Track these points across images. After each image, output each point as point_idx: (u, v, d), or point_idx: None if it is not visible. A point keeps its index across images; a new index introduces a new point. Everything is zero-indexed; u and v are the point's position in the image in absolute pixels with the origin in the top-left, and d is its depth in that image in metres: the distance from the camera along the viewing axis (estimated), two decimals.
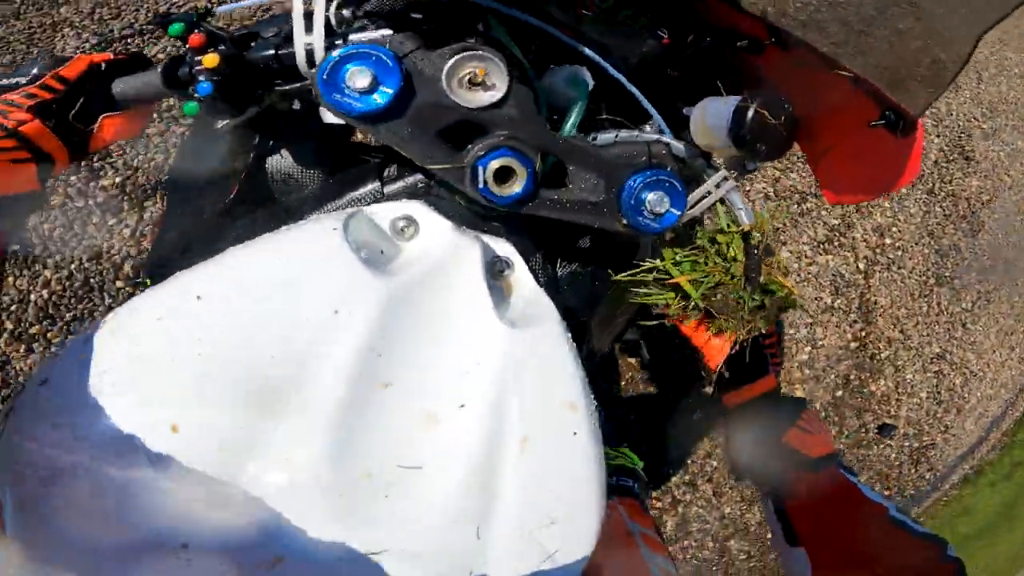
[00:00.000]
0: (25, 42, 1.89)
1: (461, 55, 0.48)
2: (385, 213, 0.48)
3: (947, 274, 3.13)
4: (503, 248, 0.51)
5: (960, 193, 3.28)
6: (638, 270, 0.57)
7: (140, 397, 0.38)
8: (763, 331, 0.56)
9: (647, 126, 0.59)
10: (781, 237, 2.44)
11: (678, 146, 0.56)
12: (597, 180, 0.53)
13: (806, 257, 2.49)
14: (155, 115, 1.69)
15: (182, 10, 1.95)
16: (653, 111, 0.57)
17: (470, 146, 0.50)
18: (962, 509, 3.31)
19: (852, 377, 2.76)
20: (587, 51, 0.55)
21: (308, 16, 0.50)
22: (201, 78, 0.52)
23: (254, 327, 0.41)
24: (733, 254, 0.52)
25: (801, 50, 0.50)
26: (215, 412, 0.39)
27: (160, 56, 1.92)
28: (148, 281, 0.69)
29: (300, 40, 0.50)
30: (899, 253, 2.93)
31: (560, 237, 0.63)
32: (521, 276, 0.50)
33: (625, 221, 0.53)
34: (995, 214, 3.48)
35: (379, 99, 0.47)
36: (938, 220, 3.15)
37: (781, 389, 0.70)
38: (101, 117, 0.58)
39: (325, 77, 0.46)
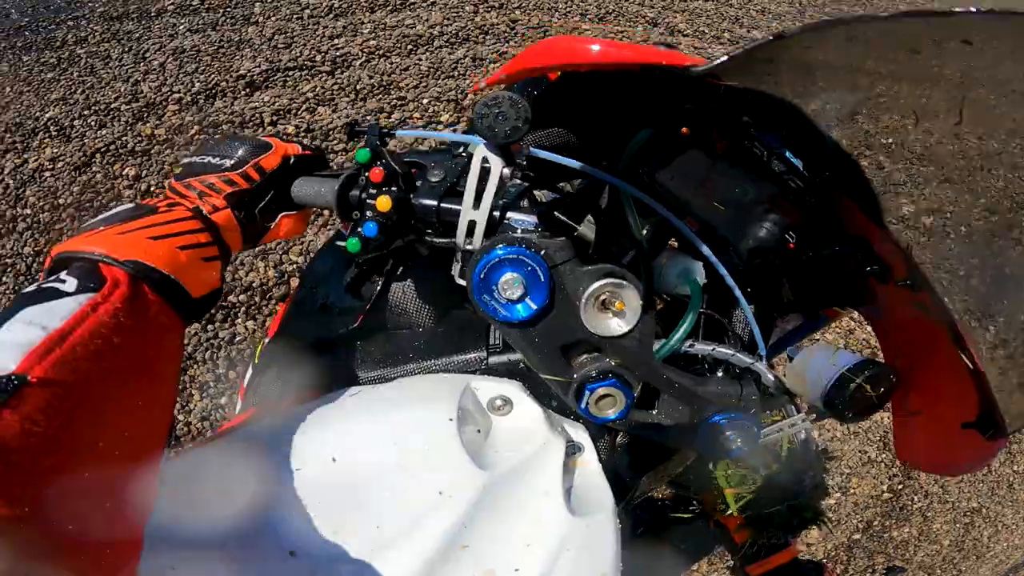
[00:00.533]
0: (211, 55, 2.08)
1: (605, 281, 0.49)
2: (486, 390, 0.54)
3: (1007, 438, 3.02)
4: (579, 435, 0.56)
5: None
6: (690, 463, 0.62)
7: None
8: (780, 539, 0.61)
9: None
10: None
11: (769, 378, 0.57)
12: (684, 409, 0.55)
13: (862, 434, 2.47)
14: None
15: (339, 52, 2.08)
16: (761, 343, 0.57)
17: (582, 361, 0.52)
18: None
19: (875, 523, 2.74)
20: (708, 251, 0.55)
21: (481, 188, 0.51)
22: (369, 214, 0.54)
23: (374, 489, 0.49)
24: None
25: (926, 297, 0.48)
26: (336, 539, 0.46)
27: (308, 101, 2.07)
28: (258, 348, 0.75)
29: (465, 212, 0.51)
30: None
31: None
32: (589, 460, 0.55)
33: (695, 446, 0.56)
34: None
35: (522, 311, 0.49)
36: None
37: (798, 557, 0.72)
38: (281, 215, 0.59)
39: (482, 277, 0.48)
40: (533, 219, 0.52)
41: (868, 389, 0.50)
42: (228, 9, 2.37)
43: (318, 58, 2.47)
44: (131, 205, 0.49)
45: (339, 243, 0.59)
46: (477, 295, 0.49)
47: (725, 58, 0.40)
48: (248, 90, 2.19)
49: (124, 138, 2.09)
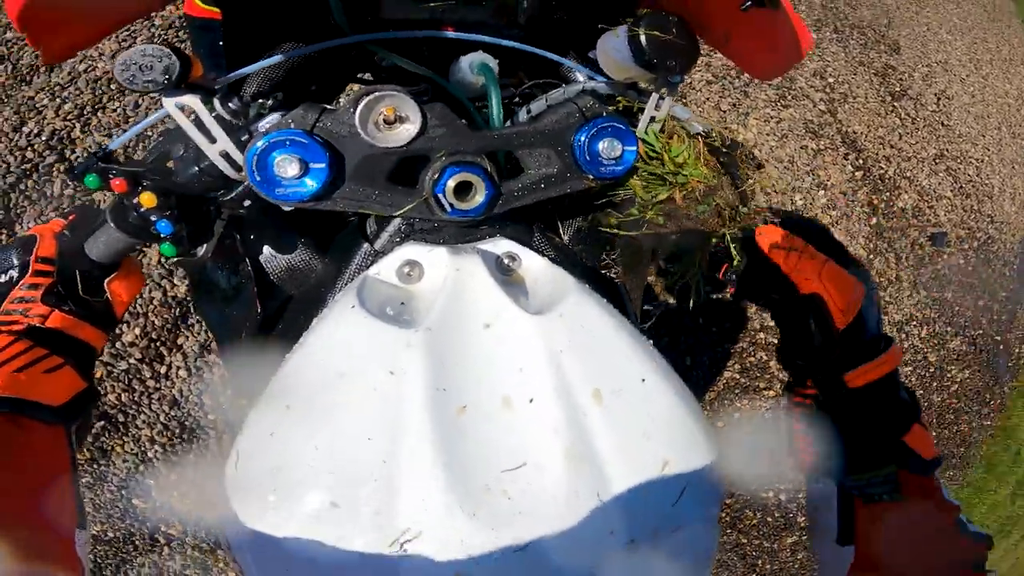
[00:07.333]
0: None
1: (361, 103, 0.46)
2: (388, 268, 0.49)
3: (898, 89, 3.27)
4: (502, 246, 0.51)
5: (860, 24, 3.51)
6: (628, 183, 0.56)
7: (290, 496, 0.44)
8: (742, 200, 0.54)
9: (576, 75, 0.59)
10: (741, 108, 2.55)
11: (603, 87, 0.57)
12: (548, 153, 0.52)
13: (772, 117, 2.59)
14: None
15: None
16: (562, 59, 0.58)
17: (421, 177, 0.49)
18: None
19: (875, 201, 2.78)
20: (466, 35, 0.56)
21: (203, 127, 0.48)
22: (153, 218, 0.50)
23: (339, 414, 0.44)
24: (685, 158, 0.53)
25: None
26: (353, 488, 0.43)
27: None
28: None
29: (212, 153, 0.49)
30: (846, 87, 3.06)
31: (546, 208, 0.63)
32: (530, 262, 0.51)
33: (591, 176, 0.52)
34: (904, 30, 3.71)
35: (314, 181, 0.46)
36: (859, 50, 3.33)
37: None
38: (106, 282, 0.55)
39: (258, 178, 0.46)
40: (275, 115, 0.50)
41: (659, 34, 0.49)
42: None
43: None
44: None
45: (167, 256, 0.54)
46: (270, 194, 0.46)
47: None
48: None
49: None
